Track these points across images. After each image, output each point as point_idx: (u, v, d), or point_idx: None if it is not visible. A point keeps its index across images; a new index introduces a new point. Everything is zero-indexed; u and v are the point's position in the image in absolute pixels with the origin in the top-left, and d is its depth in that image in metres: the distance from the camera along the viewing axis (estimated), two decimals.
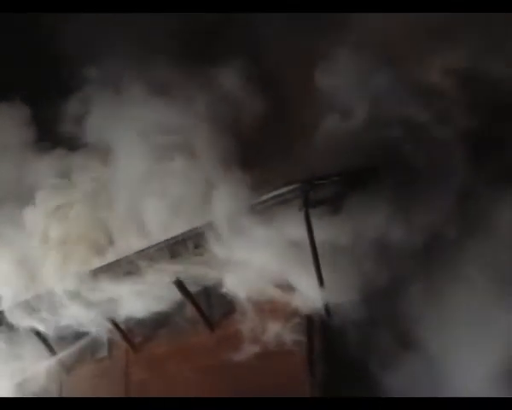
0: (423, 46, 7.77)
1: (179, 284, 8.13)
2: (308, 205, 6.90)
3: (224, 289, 7.57)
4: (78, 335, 9.86)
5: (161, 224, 8.39)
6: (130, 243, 8.92)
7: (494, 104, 7.42)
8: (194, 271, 7.94)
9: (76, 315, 9.13)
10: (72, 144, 10.01)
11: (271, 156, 8.22)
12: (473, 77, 7.52)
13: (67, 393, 10.36)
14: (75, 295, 8.92)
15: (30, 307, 9.73)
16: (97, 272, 8.65)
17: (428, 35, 7.72)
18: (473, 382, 6.80)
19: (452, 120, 7.57)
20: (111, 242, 9.60)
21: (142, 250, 8.17)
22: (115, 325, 9.20)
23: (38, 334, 10.06)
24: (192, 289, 8.23)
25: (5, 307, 10.02)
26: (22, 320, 9.84)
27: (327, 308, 7.08)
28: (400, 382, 6.88)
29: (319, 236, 6.98)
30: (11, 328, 10.10)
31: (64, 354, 10.14)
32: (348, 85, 7.59)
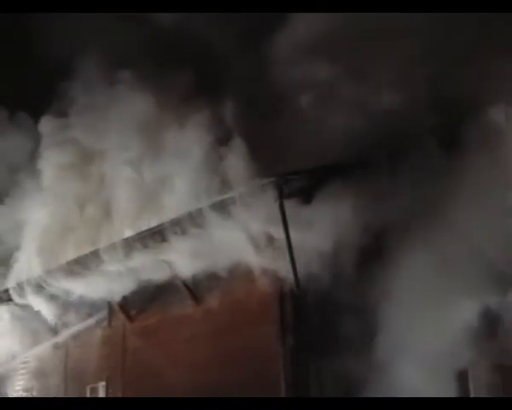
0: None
1: (168, 263, 8.86)
2: (282, 197, 7.64)
3: (208, 268, 8.41)
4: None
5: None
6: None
7: None
8: (182, 253, 8.61)
9: (80, 291, 9.95)
10: None
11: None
12: None
13: (72, 358, 11.24)
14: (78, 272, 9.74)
15: (36, 283, 10.59)
16: (98, 252, 9.45)
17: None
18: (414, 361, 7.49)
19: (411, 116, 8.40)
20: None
21: (138, 234, 9.00)
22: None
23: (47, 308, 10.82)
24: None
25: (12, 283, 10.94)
26: (29, 297, 10.70)
27: (297, 282, 7.78)
28: (363, 353, 7.50)
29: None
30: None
31: (73, 328, 10.95)
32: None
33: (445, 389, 7.55)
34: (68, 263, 10.07)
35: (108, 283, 9.61)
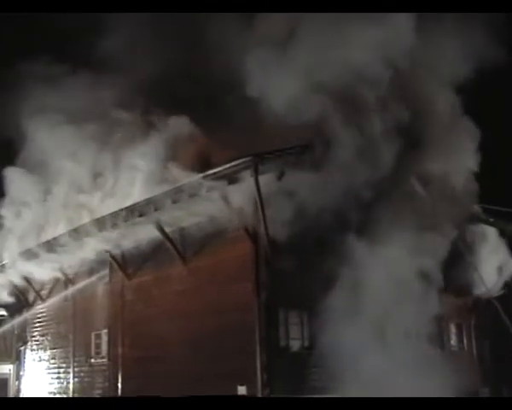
0: None
1: (160, 228, 9.93)
2: (257, 172, 8.61)
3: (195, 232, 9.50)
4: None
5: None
6: None
7: None
8: (173, 218, 9.69)
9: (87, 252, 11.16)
10: None
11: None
12: None
13: (79, 309, 12.38)
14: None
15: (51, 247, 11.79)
16: (101, 220, 10.54)
17: None
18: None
19: None
20: None
21: (134, 204, 9.93)
22: (114, 258, 11.21)
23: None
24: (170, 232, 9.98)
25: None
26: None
27: (270, 246, 8.77)
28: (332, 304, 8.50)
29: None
30: None
31: (79, 284, 12.16)
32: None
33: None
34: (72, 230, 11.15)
35: (107, 244, 10.78)
